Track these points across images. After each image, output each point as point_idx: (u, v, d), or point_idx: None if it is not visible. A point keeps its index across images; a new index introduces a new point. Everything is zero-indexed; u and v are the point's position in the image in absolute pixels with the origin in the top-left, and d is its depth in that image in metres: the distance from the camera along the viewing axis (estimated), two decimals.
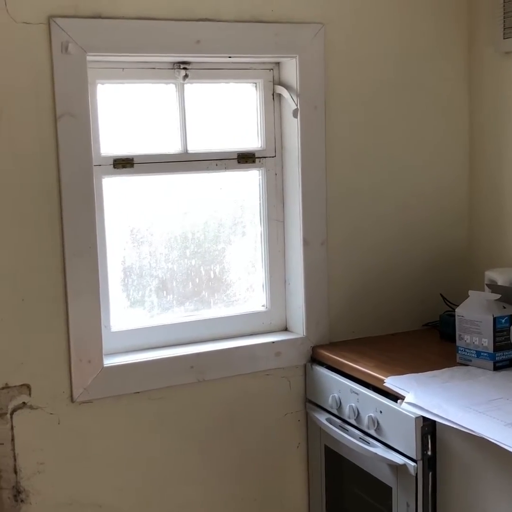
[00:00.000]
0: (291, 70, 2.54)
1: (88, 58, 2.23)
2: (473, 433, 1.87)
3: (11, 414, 2.24)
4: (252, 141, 2.62)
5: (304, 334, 2.62)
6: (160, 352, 2.46)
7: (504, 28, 2.56)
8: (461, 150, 2.81)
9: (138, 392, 2.39)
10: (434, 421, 2.05)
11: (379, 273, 2.73)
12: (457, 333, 2.38)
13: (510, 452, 1.76)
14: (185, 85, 2.49)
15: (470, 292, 2.40)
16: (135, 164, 2.43)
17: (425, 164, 2.76)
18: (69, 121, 2.22)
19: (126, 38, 2.26)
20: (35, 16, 2.15)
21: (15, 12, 2.13)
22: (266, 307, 2.69)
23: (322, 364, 2.57)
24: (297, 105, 2.52)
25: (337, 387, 2.46)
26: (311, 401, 2.61)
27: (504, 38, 2.57)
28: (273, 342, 2.59)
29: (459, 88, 2.77)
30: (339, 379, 2.45)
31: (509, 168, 2.64)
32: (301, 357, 2.62)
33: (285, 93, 2.55)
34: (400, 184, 2.73)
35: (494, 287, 2.43)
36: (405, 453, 2.16)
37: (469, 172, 2.81)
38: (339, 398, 2.44)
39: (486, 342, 2.29)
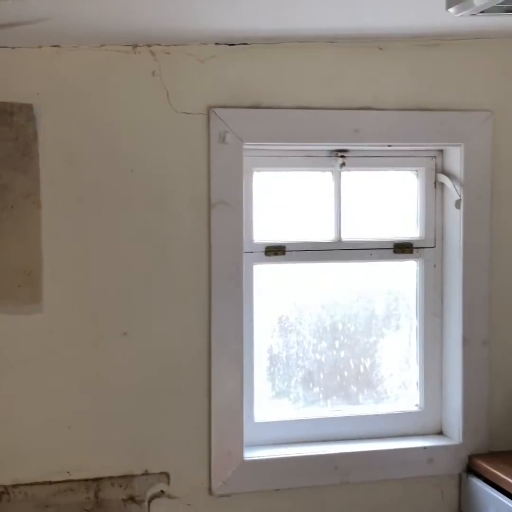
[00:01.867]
0: (455, 158, 2.41)
1: (245, 146, 2.24)
2: None
3: (149, 502, 2.21)
4: (410, 231, 2.50)
5: (461, 440, 2.42)
6: (303, 449, 2.36)
7: None
8: None
9: (278, 489, 2.29)
10: None
11: None
12: None
13: None
14: (342, 173, 2.43)
15: None
16: (287, 252, 2.39)
17: None
18: (223, 209, 2.22)
19: (283, 127, 2.25)
20: (196, 106, 2.19)
21: (176, 103, 2.18)
22: (420, 407, 2.51)
23: (479, 476, 2.35)
24: (460, 195, 2.38)
25: (495, 505, 2.23)
26: None
27: None
28: (424, 447, 2.41)
29: None
30: (498, 496, 2.22)
31: None
32: (456, 466, 2.42)
33: (447, 182, 2.43)
34: None
35: None
36: None
37: None
38: None
39: None
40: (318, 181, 2.44)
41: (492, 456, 2.40)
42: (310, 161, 2.40)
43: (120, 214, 2.18)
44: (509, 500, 2.18)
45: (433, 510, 2.42)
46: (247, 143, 2.24)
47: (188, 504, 2.24)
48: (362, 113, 2.31)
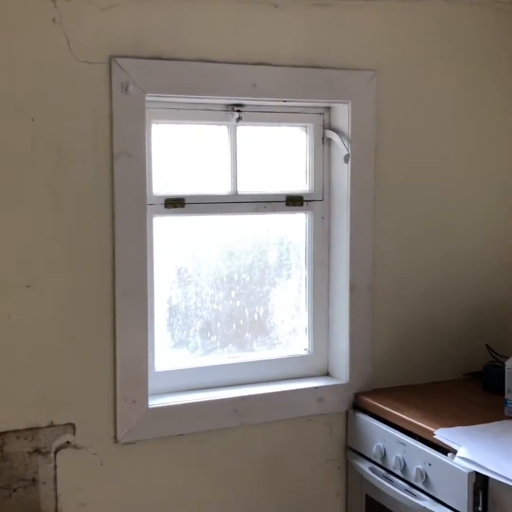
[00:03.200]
0: (343, 115, 2.55)
1: (147, 97, 2.24)
2: None
3: (55, 453, 2.21)
4: (301, 185, 2.62)
5: (347, 380, 2.59)
6: (204, 395, 2.44)
7: None
8: (508, 200, 2.80)
9: (182, 434, 2.36)
10: (486, 477, 2.02)
11: (424, 320, 2.71)
12: (507, 386, 2.34)
13: None
14: (238, 127, 2.49)
15: None
16: (186, 204, 2.43)
17: (473, 215, 2.75)
18: (126, 160, 2.22)
19: (185, 79, 2.28)
20: (97, 55, 2.17)
21: (77, 51, 2.15)
22: (309, 351, 2.66)
23: (365, 411, 2.54)
24: (348, 151, 2.52)
25: (382, 437, 2.42)
26: (353, 449, 2.57)
27: None
28: (316, 388, 2.56)
29: (506, 140, 2.77)
30: (385, 428, 2.41)
31: None
32: (343, 404, 2.59)
33: (336, 138, 2.55)
34: (447, 233, 2.72)
35: None
36: (455, 507, 2.12)
37: None
38: (383, 447, 2.40)
39: None
40: (215, 134, 2.49)
41: (376, 393, 2.59)
42: (207, 114, 2.45)
43: (21, 165, 2.12)
44: (393, 430, 2.38)
45: (323, 446, 2.59)
46: (149, 94, 2.24)
47: (94, 453, 2.26)
48: (259, 68, 2.37)
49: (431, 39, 2.62)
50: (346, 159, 2.53)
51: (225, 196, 2.50)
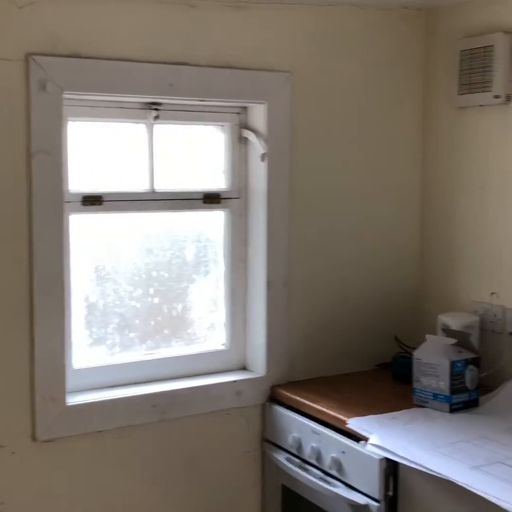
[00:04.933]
0: (259, 115, 2.61)
1: (64, 95, 2.24)
2: (440, 476, 1.94)
3: None
4: (218, 183, 2.66)
5: (264, 373, 2.66)
6: (122, 391, 2.45)
7: (459, 85, 2.69)
8: (415, 201, 2.93)
9: (101, 431, 2.38)
10: (396, 462, 2.12)
11: (336, 314, 2.80)
12: (415, 375, 2.46)
13: (477, 494, 1.83)
14: (155, 126, 2.52)
15: (428, 336, 2.49)
16: (103, 202, 2.44)
17: (382, 213, 2.87)
18: (43, 158, 2.21)
19: (103, 78, 2.29)
20: (14, 53, 2.15)
21: None
22: (226, 346, 2.72)
23: (281, 403, 2.61)
24: (264, 149, 2.58)
25: (297, 427, 2.50)
26: (269, 440, 2.64)
27: (458, 94, 2.70)
28: (234, 381, 2.62)
29: (414, 141, 2.90)
30: (300, 419, 2.49)
31: (461, 218, 2.77)
32: (260, 396, 2.66)
33: (252, 137, 2.61)
34: (358, 231, 2.82)
35: (449, 331, 2.54)
36: (367, 493, 2.21)
37: (423, 221, 2.93)
38: (299, 438, 2.48)
39: (443, 385, 2.38)
40: (133, 132, 2.50)
41: (292, 385, 2.67)
42: (125, 112, 2.46)
43: None
44: (308, 420, 2.46)
45: (240, 439, 2.65)
46: (67, 92, 2.24)
47: (13, 452, 2.25)
48: (176, 68, 2.41)
49: (343, 43, 2.71)
50: (262, 157, 2.59)
51: (142, 194, 2.52)
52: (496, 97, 2.56)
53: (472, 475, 1.91)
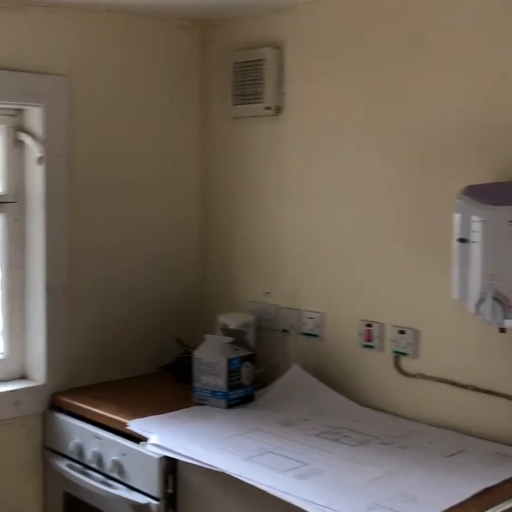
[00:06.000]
0: (35, 118, 2.56)
1: None
2: (215, 469, 2.03)
3: None
4: None
5: (44, 381, 2.62)
6: None
7: (233, 96, 2.82)
8: (196, 207, 3.01)
9: None
10: (176, 460, 2.18)
11: (119, 318, 2.82)
12: (195, 374, 2.54)
13: (250, 484, 1.93)
14: None
15: (207, 336, 2.58)
16: None
17: (163, 218, 2.92)
18: None
19: None
20: None
21: None
22: (4, 355, 2.64)
23: (62, 411, 2.58)
24: (41, 153, 2.54)
25: (78, 433, 2.48)
26: (51, 448, 2.60)
27: (233, 105, 2.83)
28: (11, 391, 2.55)
29: (193, 149, 2.98)
30: (81, 425, 2.48)
31: (238, 223, 2.90)
32: (40, 405, 2.61)
33: (28, 140, 2.56)
34: (141, 235, 2.86)
35: (227, 331, 2.65)
36: (147, 492, 2.25)
37: (203, 226, 3.03)
38: (80, 443, 2.47)
39: (221, 382, 2.48)
40: None
41: (73, 391, 2.65)
42: None
43: None
44: (90, 425, 2.45)
45: (20, 449, 2.59)
46: None
47: None
48: None
49: (121, 50, 2.75)
50: (39, 161, 2.55)
51: None
52: (267, 108, 2.71)
53: (244, 466, 2.01)
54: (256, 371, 2.61)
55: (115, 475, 2.34)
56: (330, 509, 1.76)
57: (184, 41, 2.90)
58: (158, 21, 2.80)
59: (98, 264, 2.75)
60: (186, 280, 3.01)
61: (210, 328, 2.78)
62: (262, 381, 2.66)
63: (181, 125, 2.94)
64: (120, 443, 2.33)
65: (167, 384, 2.77)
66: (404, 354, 2.41)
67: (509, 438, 2.15)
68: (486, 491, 1.86)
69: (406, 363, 2.42)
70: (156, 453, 2.20)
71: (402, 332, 2.41)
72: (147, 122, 2.84)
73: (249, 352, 2.57)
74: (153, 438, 2.22)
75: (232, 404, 2.49)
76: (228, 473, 1.99)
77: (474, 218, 2.00)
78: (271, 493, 1.88)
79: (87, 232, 2.71)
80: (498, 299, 1.96)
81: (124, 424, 2.34)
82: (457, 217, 2.05)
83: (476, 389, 2.24)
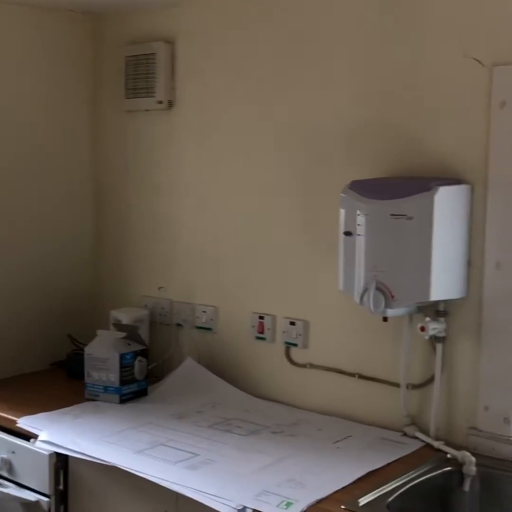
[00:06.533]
0: None
1: None
2: (106, 463, 2.02)
3: None
4: None
5: None
6: None
7: (126, 89, 2.80)
8: (88, 203, 2.99)
9: None
10: (67, 457, 2.16)
11: (9, 314, 2.76)
12: (86, 370, 2.51)
13: (141, 477, 1.94)
14: None
15: (98, 331, 2.56)
16: None
17: (54, 215, 2.89)
18: None
19: None
20: None
21: None
22: None
23: None
24: None
25: None
26: None
27: (126, 98, 2.81)
28: None
29: (85, 143, 2.95)
30: None
31: (131, 217, 2.89)
32: None
33: None
34: (32, 232, 2.82)
35: (119, 326, 2.63)
36: (38, 489, 2.22)
37: (96, 222, 3.00)
38: None
39: (113, 377, 2.47)
40: None
41: None
42: None
43: None
44: None
45: None
46: None
47: None
48: None
49: (9, 41, 2.69)
50: None
51: None
52: (159, 102, 2.71)
53: (135, 459, 2.02)
54: (150, 365, 2.61)
55: (4, 473, 2.29)
56: (220, 497, 1.79)
57: (75, 34, 2.86)
58: (47, 12, 2.75)
59: None
60: (79, 276, 2.98)
61: (103, 324, 2.75)
62: (156, 376, 2.67)
63: (72, 120, 2.90)
64: (9, 441, 2.29)
65: (60, 381, 2.74)
66: (294, 344, 2.47)
67: (394, 424, 2.24)
68: (371, 474, 1.94)
69: (297, 354, 2.48)
70: (46, 450, 2.17)
71: (292, 323, 2.46)
72: (36, 116, 2.79)
73: (142, 347, 2.56)
74: (42, 435, 2.19)
75: (125, 399, 2.48)
76: (119, 467, 1.99)
77: (358, 211, 2.07)
78: (162, 484, 1.89)
79: None
80: (381, 289, 2.04)
81: (14, 422, 2.30)
82: (342, 211, 2.12)
83: (361, 376, 2.32)
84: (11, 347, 2.76)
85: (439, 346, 2.13)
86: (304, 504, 1.74)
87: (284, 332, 2.49)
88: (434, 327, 2.09)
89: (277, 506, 1.74)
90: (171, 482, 1.88)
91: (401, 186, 2.06)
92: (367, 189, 2.09)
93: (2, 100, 2.68)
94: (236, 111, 2.56)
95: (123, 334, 2.54)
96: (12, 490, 2.25)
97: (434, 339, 2.13)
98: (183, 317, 2.74)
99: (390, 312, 2.08)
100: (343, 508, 1.74)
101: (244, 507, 1.75)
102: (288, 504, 1.74)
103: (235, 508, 1.75)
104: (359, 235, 2.08)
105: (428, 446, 2.12)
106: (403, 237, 2.01)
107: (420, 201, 1.98)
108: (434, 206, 1.97)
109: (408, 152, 2.18)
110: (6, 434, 2.31)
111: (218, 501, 1.78)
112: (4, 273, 2.74)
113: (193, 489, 1.84)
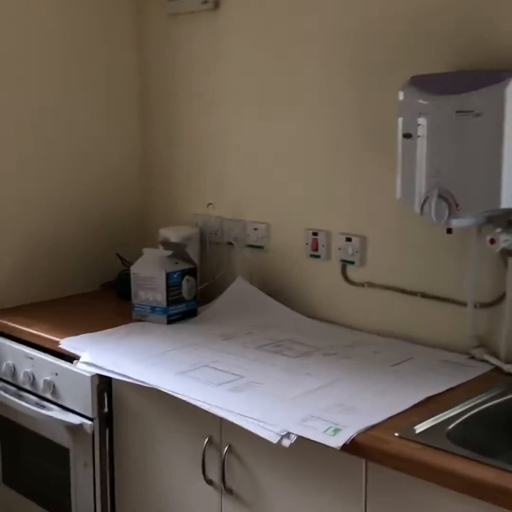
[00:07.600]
0: None
1: None
2: (145, 385, 1.91)
3: None
4: None
5: None
6: None
7: None
8: (134, 116, 2.84)
9: None
10: (110, 379, 2.06)
11: (54, 235, 2.67)
12: (133, 290, 2.40)
13: (182, 399, 1.82)
14: None
15: (144, 250, 2.44)
16: None
17: (101, 131, 2.75)
18: None
19: None
20: None
21: None
22: None
23: None
24: None
25: (11, 354, 2.35)
26: None
27: (169, 0, 2.62)
28: None
29: (129, 53, 2.78)
30: (13, 345, 2.35)
31: (179, 130, 2.72)
32: None
33: None
34: (79, 149, 2.69)
35: (166, 244, 2.50)
36: (81, 413, 2.14)
37: (143, 137, 2.85)
38: (13, 365, 2.34)
39: (160, 297, 2.35)
40: None
41: (4, 312, 2.49)
42: None
43: None
44: (22, 346, 2.31)
45: None
46: None
47: None
48: None
49: None
50: None
51: None
52: (205, 2, 2.51)
53: (176, 381, 1.90)
54: (200, 286, 2.48)
55: (48, 395, 2.22)
56: (263, 422, 1.65)
57: None
58: None
59: (33, 182, 2.58)
60: (127, 195, 2.86)
61: (152, 243, 2.63)
62: (207, 296, 2.54)
63: (116, 27, 2.73)
64: (52, 363, 2.21)
65: (109, 302, 2.64)
66: (351, 262, 2.29)
67: (459, 346, 2.05)
68: (430, 399, 1.76)
69: (353, 272, 2.29)
70: (88, 372, 2.08)
71: (348, 239, 2.28)
72: (79, 26, 2.63)
73: (190, 266, 2.43)
74: (84, 356, 2.10)
75: (173, 319, 2.36)
76: (158, 388, 1.87)
77: (419, 110, 1.84)
78: (202, 407, 1.77)
79: (17, 150, 2.53)
80: (444, 197, 1.82)
81: (56, 343, 2.21)
82: (401, 109, 1.90)
83: (424, 295, 2.12)
84: (61, 268, 2.68)
85: (511, 260, 1.92)
86: (353, 431, 1.58)
87: (339, 249, 2.31)
88: (506, 239, 1.86)
89: (324, 432, 1.59)
90: (212, 405, 1.75)
91: (467, 79, 1.81)
92: (428, 84, 1.85)
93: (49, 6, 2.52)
94: (286, 12, 2.33)
95: (169, 252, 2.40)
96: (56, 413, 2.18)
97: (506, 253, 1.91)
98: (234, 235, 2.58)
99: (454, 223, 1.85)
100: (397, 436, 1.57)
101: (288, 433, 1.61)
102: (336, 431, 1.58)
103: (278, 434, 1.61)
104: (419, 136, 1.85)
105: (497, 369, 1.93)
106: (470, 137, 1.77)
107: (490, 94, 1.73)
108: (506, 100, 1.72)
109: (476, 41, 1.92)
110: (49, 355, 2.23)
111: (261, 426, 1.64)
112: (56, 194, 2.64)
113: (234, 413, 1.71)
